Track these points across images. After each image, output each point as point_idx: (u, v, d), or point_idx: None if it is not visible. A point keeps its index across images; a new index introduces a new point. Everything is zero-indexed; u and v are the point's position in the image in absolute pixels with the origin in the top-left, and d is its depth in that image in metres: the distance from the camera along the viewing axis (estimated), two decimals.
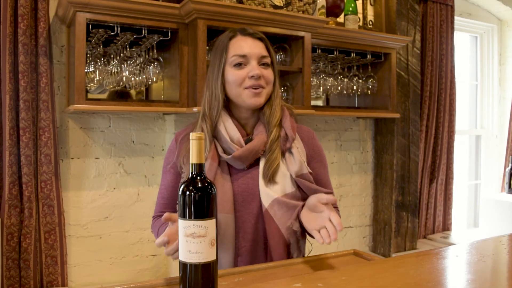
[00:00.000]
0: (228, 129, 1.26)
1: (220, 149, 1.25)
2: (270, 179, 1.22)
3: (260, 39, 1.28)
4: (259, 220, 1.23)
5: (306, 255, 1.30)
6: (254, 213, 1.23)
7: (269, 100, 1.29)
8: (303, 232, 1.24)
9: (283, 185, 1.23)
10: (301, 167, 1.25)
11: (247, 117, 1.30)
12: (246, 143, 1.25)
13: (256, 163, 1.26)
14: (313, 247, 1.33)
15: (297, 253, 1.26)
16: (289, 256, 1.24)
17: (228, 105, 1.30)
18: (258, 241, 1.24)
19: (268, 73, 1.26)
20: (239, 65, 1.24)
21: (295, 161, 1.26)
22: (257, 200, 1.23)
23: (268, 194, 1.21)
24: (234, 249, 1.22)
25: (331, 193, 1.33)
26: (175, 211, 1.31)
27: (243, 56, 1.24)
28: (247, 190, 1.24)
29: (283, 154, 1.27)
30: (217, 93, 1.26)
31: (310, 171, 1.28)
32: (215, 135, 1.26)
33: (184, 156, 1.27)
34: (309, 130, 1.38)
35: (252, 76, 1.22)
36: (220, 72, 1.26)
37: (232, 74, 1.24)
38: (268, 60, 1.27)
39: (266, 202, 1.21)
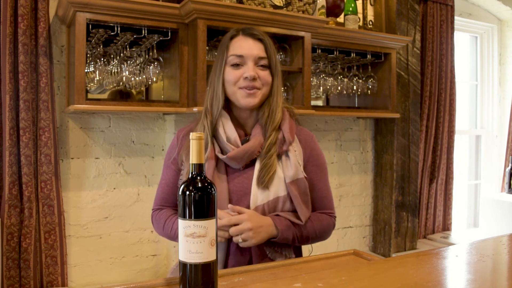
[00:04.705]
0: (226, 129, 1.27)
1: (217, 149, 1.26)
2: (265, 186, 1.22)
3: (261, 40, 1.28)
4: None
5: (306, 256, 1.30)
6: None
7: (267, 101, 1.29)
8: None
9: (277, 189, 1.23)
10: (297, 172, 1.25)
11: (246, 117, 1.31)
12: (243, 144, 1.26)
13: (252, 163, 1.27)
14: (313, 248, 1.33)
15: (280, 257, 1.25)
16: (267, 259, 1.24)
17: (229, 104, 1.30)
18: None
19: (265, 74, 1.27)
20: (236, 65, 1.26)
21: (291, 165, 1.25)
22: (249, 200, 1.24)
23: (258, 198, 1.22)
24: (226, 248, 1.23)
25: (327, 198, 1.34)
26: (174, 207, 1.33)
27: (240, 56, 1.25)
28: (241, 190, 1.25)
29: (279, 157, 1.27)
30: (218, 91, 1.27)
31: (306, 175, 1.27)
32: (214, 134, 1.27)
33: (185, 152, 1.28)
34: (308, 133, 1.37)
35: (246, 77, 1.23)
36: (221, 70, 1.27)
37: (229, 73, 1.26)
38: (266, 61, 1.27)
39: (253, 204, 1.23)
